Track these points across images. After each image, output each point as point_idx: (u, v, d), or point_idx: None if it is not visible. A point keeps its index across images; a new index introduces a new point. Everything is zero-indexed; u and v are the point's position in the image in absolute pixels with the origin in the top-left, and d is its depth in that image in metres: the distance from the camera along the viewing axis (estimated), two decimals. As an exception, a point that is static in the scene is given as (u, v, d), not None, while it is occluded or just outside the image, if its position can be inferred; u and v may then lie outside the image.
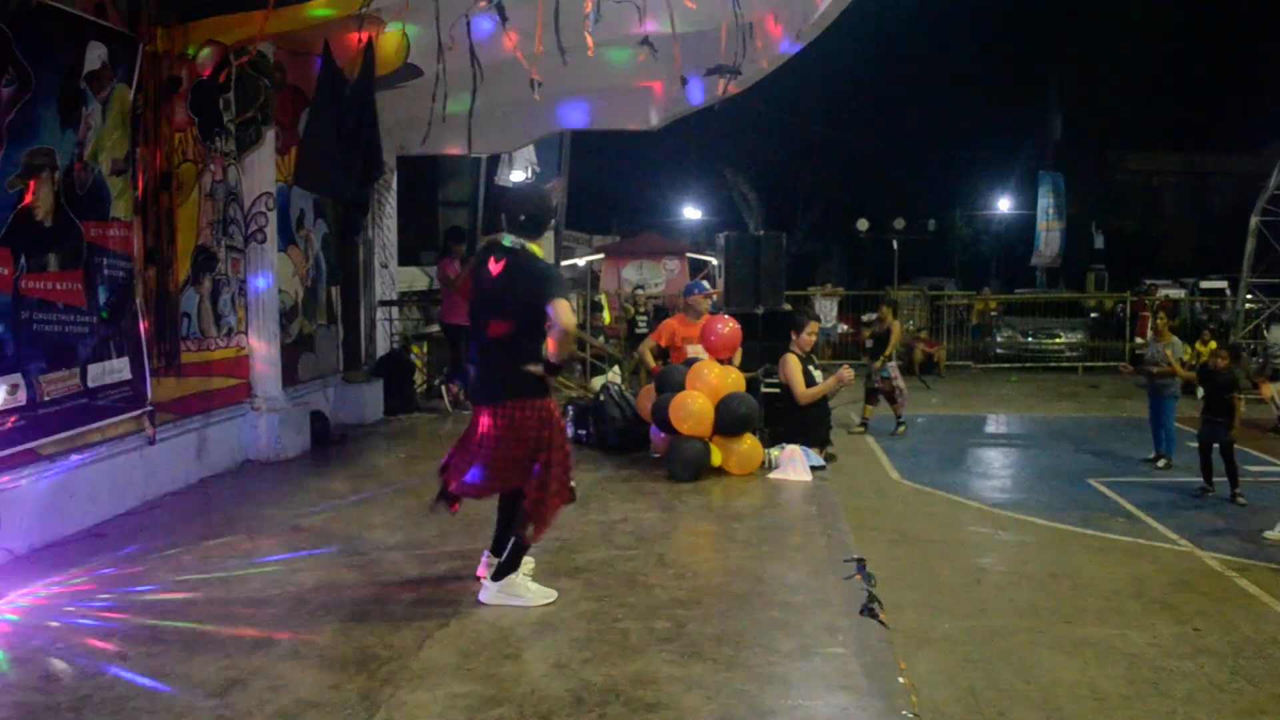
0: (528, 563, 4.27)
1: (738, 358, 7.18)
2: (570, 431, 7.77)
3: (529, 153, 14.73)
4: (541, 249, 4.37)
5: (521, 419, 4.13)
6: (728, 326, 6.99)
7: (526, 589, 4.18)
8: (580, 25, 5.96)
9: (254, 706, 3.21)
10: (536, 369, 4.12)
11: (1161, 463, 10.01)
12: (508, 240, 4.24)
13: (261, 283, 7.14)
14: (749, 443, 6.54)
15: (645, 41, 6.33)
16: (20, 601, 4.19)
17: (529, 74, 6.00)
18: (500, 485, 4.27)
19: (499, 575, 4.19)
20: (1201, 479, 8.80)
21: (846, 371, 7.03)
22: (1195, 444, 9.07)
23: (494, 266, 4.22)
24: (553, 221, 4.46)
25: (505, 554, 4.21)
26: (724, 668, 3.46)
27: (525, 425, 4.13)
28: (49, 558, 4.77)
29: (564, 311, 4.07)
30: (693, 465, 6.36)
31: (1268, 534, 7.18)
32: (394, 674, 3.44)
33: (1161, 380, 9.99)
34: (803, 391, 6.92)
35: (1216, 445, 8.57)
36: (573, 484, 4.28)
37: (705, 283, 8.47)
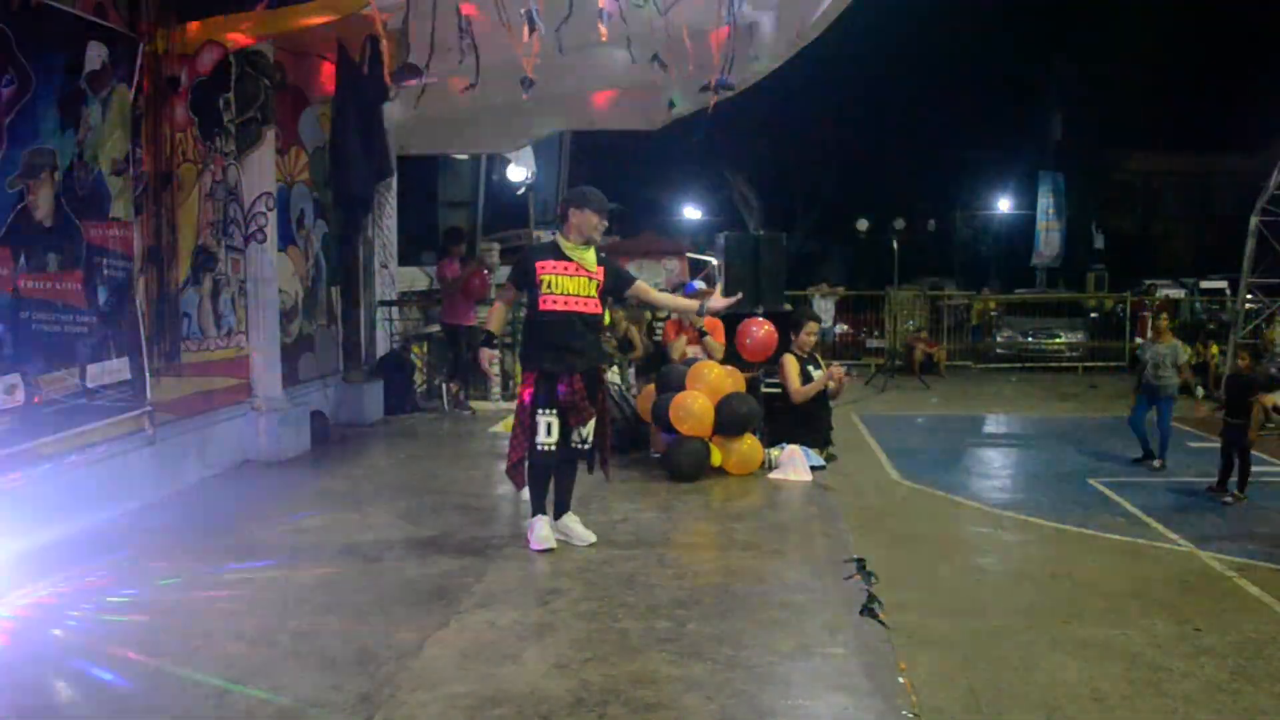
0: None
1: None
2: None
3: (529, 153, 14.74)
4: (565, 235, 4.96)
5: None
6: (763, 330, 6.99)
7: (533, 530, 4.90)
8: (584, 24, 5.96)
9: (254, 706, 3.21)
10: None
11: (1156, 463, 10.00)
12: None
13: (261, 283, 7.14)
14: (749, 443, 6.54)
15: (655, 58, 6.33)
16: (20, 602, 4.19)
17: (524, 75, 5.98)
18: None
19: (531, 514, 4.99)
20: (1217, 478, 8.78)
21: (836, 370, 7.04)
22: (1193, 444, 9.08)
23: None
24: (571, 207, 5.01)
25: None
26: (724, 668, 3.46)
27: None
28: (49, 558, 4.76)
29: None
30: (693, 465, 6.36)
31: None
32: (394, 674, 3.44)
33: (1160, 380, 9.98)
34: (796, 389, 6.93)
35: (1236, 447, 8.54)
36: (536, 446, 4.87)
37: (696, 282, 8.47)
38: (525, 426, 4.88)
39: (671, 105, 7.42)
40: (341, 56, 7.03)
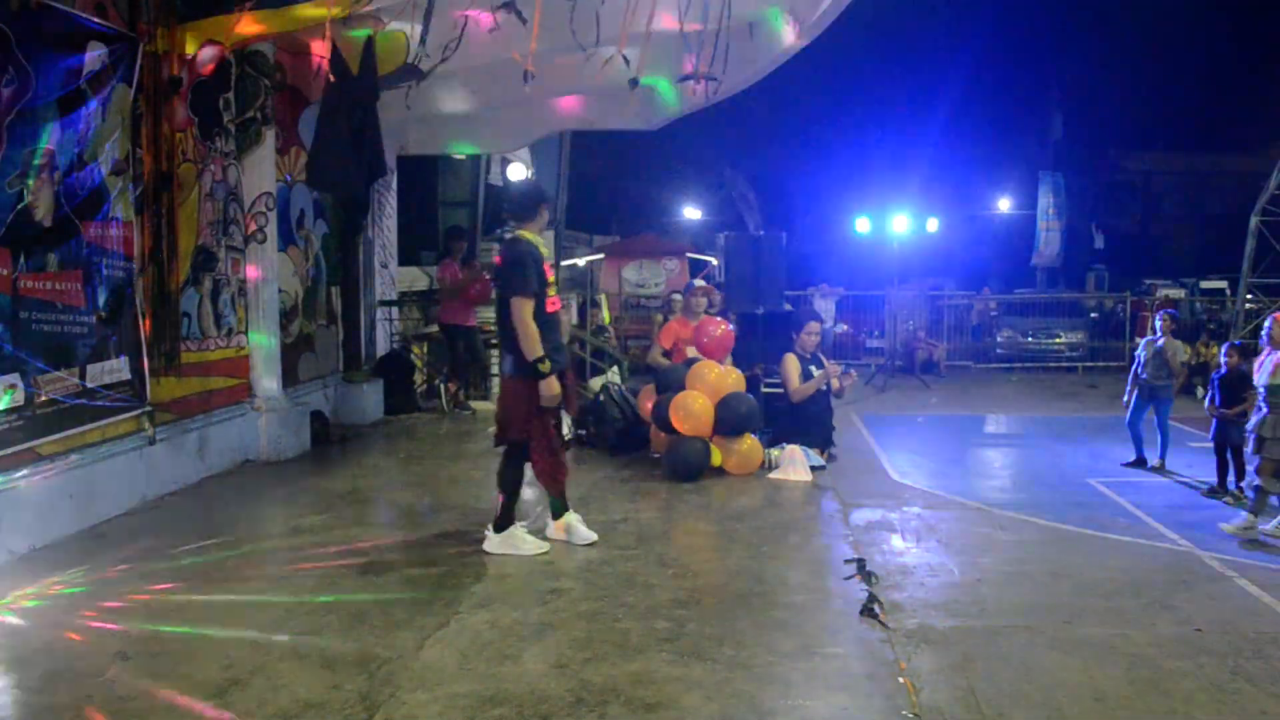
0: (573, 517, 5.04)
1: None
2: (570, 432, 7.78)
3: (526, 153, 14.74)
4: (533, 232, 4.89)
5: (508, 391, 4.87)
6: (720, 329, 7.04)
7: (523, 540, 4.84)
8: (581, 23, 5.96)
9: (254, 706, 3.21)
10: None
11: (1156, 463, 9.99)
12: (506, 232, 4.67)
13: (261, 283, 7.14)
14: (749, 443, 6.54)
15: (610, 58, 6.34)
16: (20, 601, 4.19)
17: (524, 69, 5.99)
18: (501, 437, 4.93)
19: (500, 528, 4.81)
20: (1216, 479, 8.77)
21: (831, 368, 7.05)
22: (1194, 444, 9.06)
23: (497, 259, 4.96)
24: (543, 205, 5.03)
25: (499, 511, 4.85)
26: (724, 668, 3.46)
27: (510, 397, 4.84)
28: (49, 558, 4.77)
29: (515, 310, 4.68)
30: (693, 465, 6.36)
31: (1225, 526, 7.17)
32: (394, 674, 3.44)
33: (1158, 380, 9.97)
34: (794, 389, 6.94)
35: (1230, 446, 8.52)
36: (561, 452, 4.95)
37: (695, 281, 8.48)
38: (554, 429, 4.85)
39: (634, 84, 7.30)
40: (334, 58, 7.04)
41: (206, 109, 6.57)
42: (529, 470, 4.95)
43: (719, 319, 7.32)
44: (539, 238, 4.92)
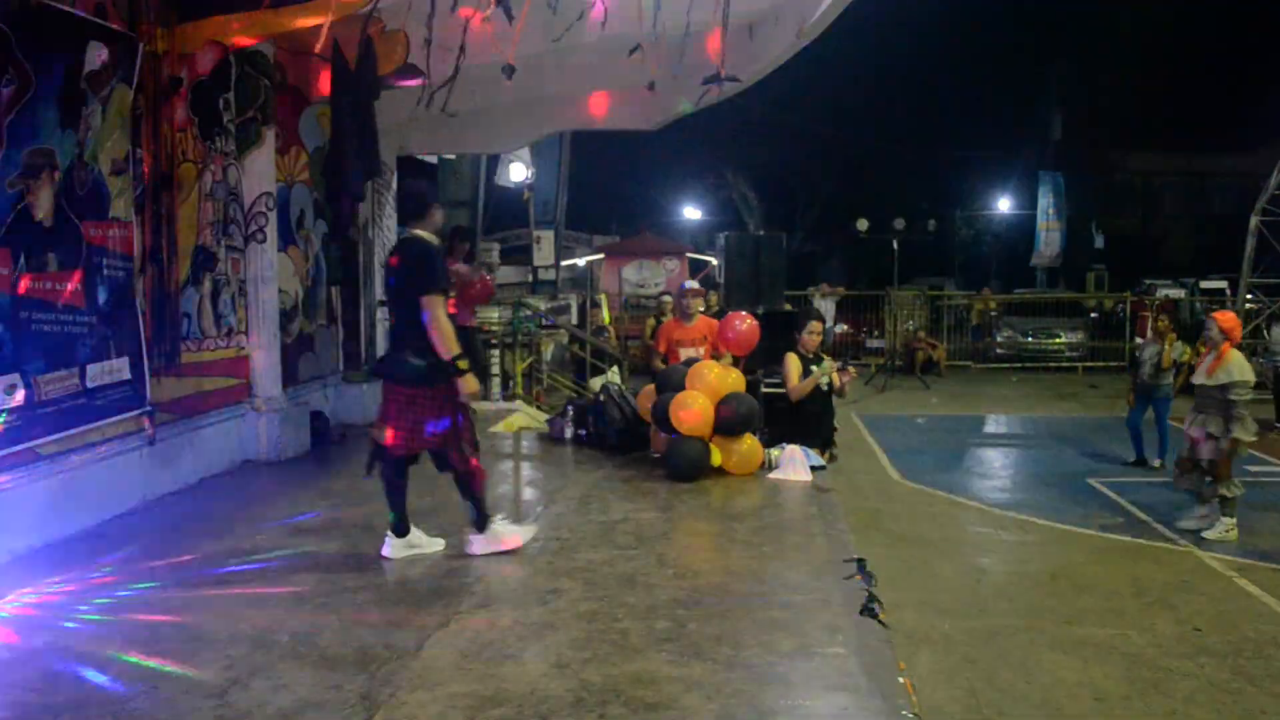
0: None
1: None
2: (570, 432, 7.79)
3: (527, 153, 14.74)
4: (427, 230, 4.79)
5: (413, 399, 4.68)
6: (746, 323, 7.05)
7: (507, 532, 4.84)
8: (576, 23, 5.96)
9: (254, 706, 3.21)
10: (420, 362, 4.59)
11: (1156, 463, 10.00)
12: (401, 232, 4.62)
13: (261, 283, 7.14)
14: (749, 443, 6.54)
15: (636, 49, 6.34)
16: (20, 601, 4.19)
17: (509, 63, 5.99)
18: (414, 447, 4.81)
19: (480, 527, 4.79)
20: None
21: (829, 364, 7.06)
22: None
23: (393, 260, 4.78)
24: (434, 205, 4.94)
25: (474, 513, 4.81)
26: (724, 668, 3.46)
27: (416, 404, 4.68)
28: (49, 558, 4.77)
29: (430, 308, 4.53)
30: (693, 465, 6.36)
31: (1191, 525, 7.18)
32: (394, 674, 3.44)
33: (1155, 381, 9.98)
34: (792, 386, 6.94)
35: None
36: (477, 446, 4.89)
37: (688, 282, 8.46)
38: (471, 426, 4.85)
39: (651, 86, 7.35)
40: (336, 58, 7.03)
41: (206, 109, 6.57)
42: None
43: (744, 313, 7.31)
44: (434, 238, 4.85)
